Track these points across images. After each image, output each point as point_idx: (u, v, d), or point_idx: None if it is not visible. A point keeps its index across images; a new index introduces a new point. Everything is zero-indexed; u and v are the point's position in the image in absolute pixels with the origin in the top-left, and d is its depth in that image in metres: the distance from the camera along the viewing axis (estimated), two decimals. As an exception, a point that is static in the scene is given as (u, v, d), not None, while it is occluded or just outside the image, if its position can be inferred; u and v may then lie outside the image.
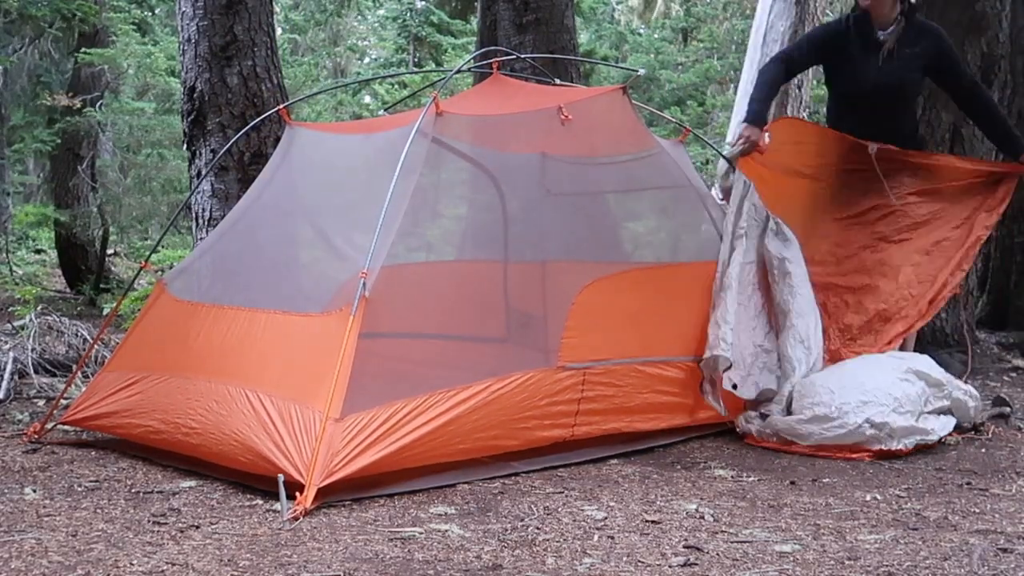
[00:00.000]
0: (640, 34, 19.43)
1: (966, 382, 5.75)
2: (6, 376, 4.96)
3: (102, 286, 9.84)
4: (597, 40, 18.27)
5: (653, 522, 3.01)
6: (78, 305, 9.29)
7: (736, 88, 13.02)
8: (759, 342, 4.46)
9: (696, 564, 2.60)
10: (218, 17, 5.39)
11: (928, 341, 6.41)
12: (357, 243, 3.64)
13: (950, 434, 4.21)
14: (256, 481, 3.28)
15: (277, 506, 3.06)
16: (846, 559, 2.66)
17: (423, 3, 17.84)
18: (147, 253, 5.36)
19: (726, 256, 4.46)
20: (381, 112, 11.62)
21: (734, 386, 4.29)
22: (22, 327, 5.77)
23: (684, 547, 2.75)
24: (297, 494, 3.03)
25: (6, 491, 3.27)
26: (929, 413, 4.15)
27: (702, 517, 3.08)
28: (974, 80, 5.13)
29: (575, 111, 4.13)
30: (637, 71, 4.56)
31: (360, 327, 3.32)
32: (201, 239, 5.21)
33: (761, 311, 4.52)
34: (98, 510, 3.07)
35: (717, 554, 2.69)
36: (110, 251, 10.82)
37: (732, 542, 2.81)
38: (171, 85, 10.00)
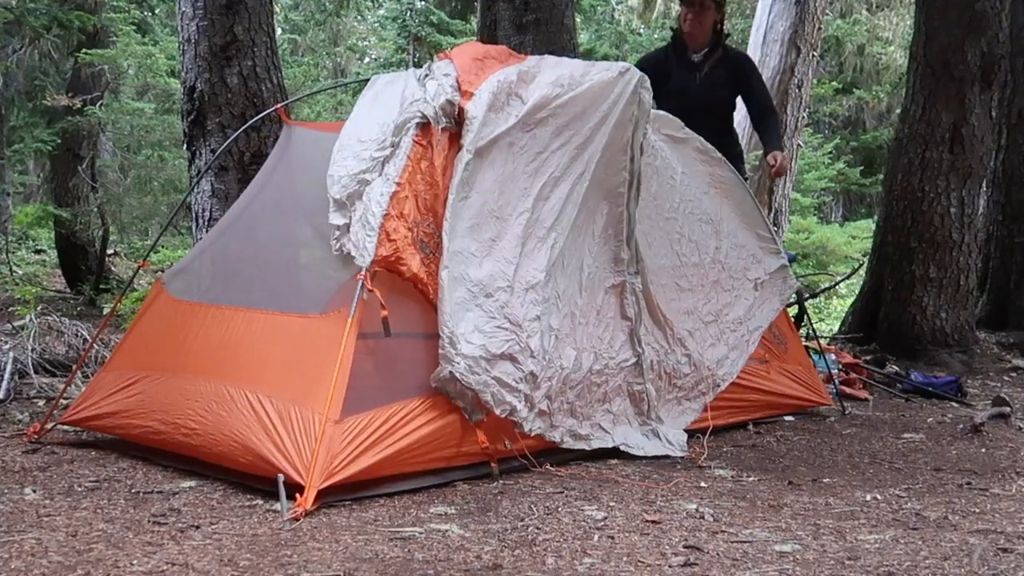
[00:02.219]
0: (640, 34, 19.45)
1: (966, 382, 5.79)
2: (6, 376, 4.96)
3: (102, 286, 9.85)
4: (597, 40, 18.29)
5: (653, 522, 3.01)
6: (78, 305, 9.29)
7: (736, 88, 13.03)
8: None
9: (696, 564, 2.60)
10: (218, 17, 5.39)
11: (928, 341, 6.43)
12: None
13: None
14: (256, 481, 3.28)
15: (277, 506, 3.05)
16: (846, 559, 2.66)
17: (423, 3, 17.84)
18: (147, 253, 5.36)
19: None
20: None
21: None
22: (22, 327, 5.77)
23: (684, 547, 2.75)
24: (297, 495, 3.03)
25: (6, 491, 3.26)
26: None
27: (702, 517, 3.08)
28: (770, 106, 5.48)
29: None
30: None
31: (358, 328, 3.32)
32: (201, 239, 5.21)
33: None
34: (98, 510, 3.07)
35: (717, 554, 2.69)
36: (110, 251, 10.83)
37: (732, 542, 2.81)
38: (171, 85, 10.00)
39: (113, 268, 11.11)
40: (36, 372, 5.17)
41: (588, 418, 3.94)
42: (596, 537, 2.84)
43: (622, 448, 3.96)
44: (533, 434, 3.71)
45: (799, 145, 11.84)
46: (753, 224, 4.78)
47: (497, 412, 3.57)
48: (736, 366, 4.54)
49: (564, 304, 3.93)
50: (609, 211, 4.14)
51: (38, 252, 14.44)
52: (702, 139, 4.61)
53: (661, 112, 4.42)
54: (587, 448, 3.88)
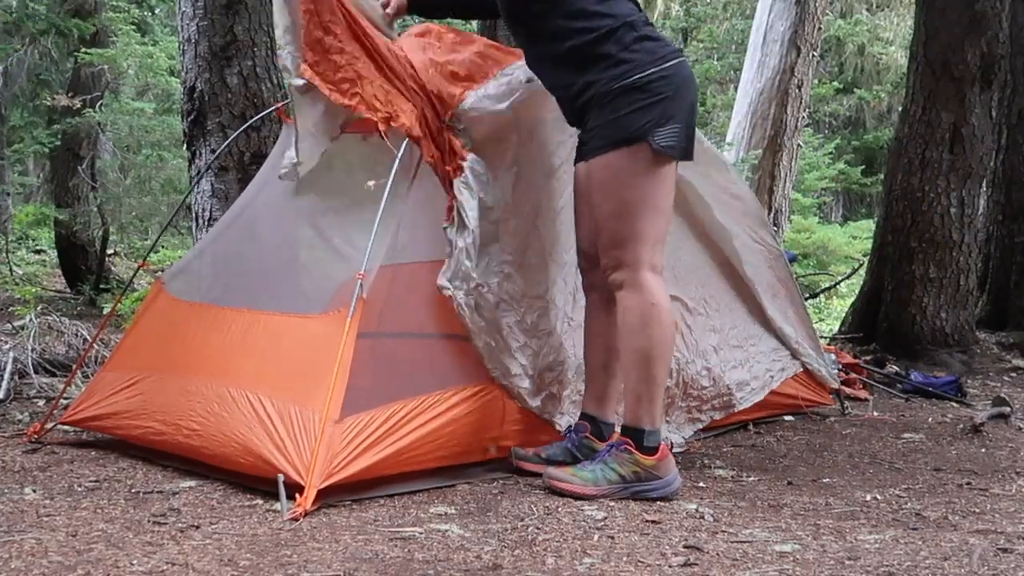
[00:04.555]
0: (640, 34, 19.38)
1: (966, 382, 5.79)
2: (6, 376, 4.96)
3: (102, 286, 9.85)
4: (597, 40, 18.24)
5: (653, 522, 3.01)
6: (78, 305, 9.29)
7: (736, 88, 13.03)
8: None
9: (696, 564, 2.60)
10: (218, 17, 5.39)
11: (928, 341, 6.43)
12: (356, 243, 3.64)
13: None
14: (256, 481, 3.28)
15: (277, 506, 3.05)
16: (846, 559, 2.66)
17: (423, 3, 17.81)
18: (147, 253, 5.36)
19: None
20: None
21: None
22: (22, 327, 5.77)
23: (684, 547, 2.75)
24: (297, 495, 3.03)
25: (6, 491, 3.26)
26: None
27: (702, 517, 3.08)
28: None
29: None
30: None
31: (358, 328, 3.32)
32: (201, 239, 5.21)
33: None
34: (98, 510, 3.07)
35: (717, 554, 2.69)
36: (110, 251, 10.83)
37: (732, 542, 2.81)
38: (171, 85, 10.01)
39: (113, 268, 11.11)
40: (36, 372, 5.17)
41: None
42: (596, 537, 2.84)
43: None
44: (544, 417, 3.69)
45: (799, 145, 11.85)
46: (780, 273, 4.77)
47: (488, 365, 3.55)
48: (756, 396, 4.54)
49: (581, 298, 3.91)
50: None
51: (38, 252, 14.45)
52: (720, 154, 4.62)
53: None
54: None
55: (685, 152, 3.33)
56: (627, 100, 3.24)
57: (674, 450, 4.03)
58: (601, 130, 3.30)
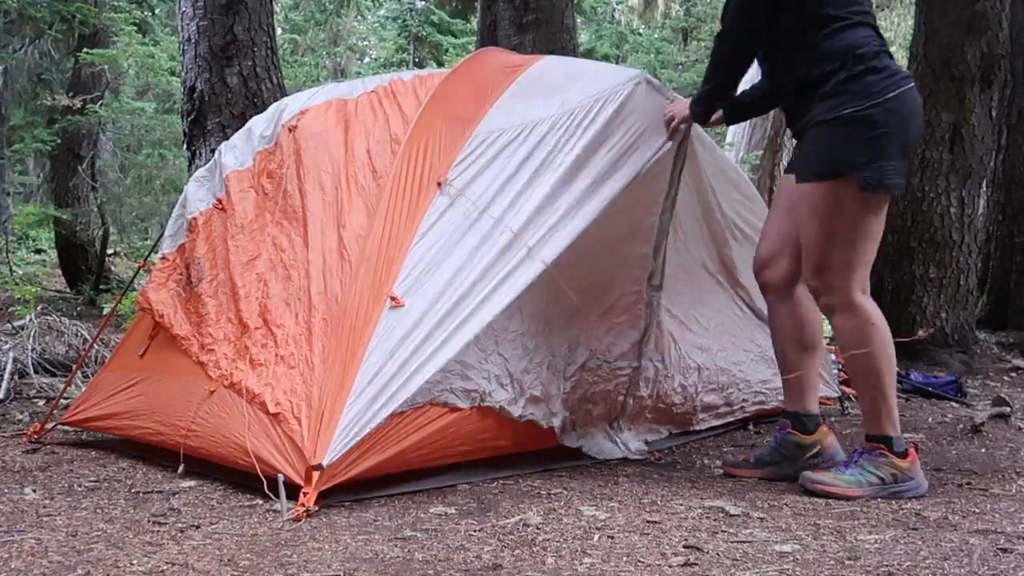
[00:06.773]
0: (640, 34, 19.47)
1: (966, 382, 5.78)
2: (6, 376, 4.96)
3: (102, 286, 9.85)
4: (597, 40, 18.30)
5: (653, 522, 3.01)
6: (78, 305, 9.29)
7: (736, 88, 13.01)
8: None
9: (696, 564, 2.60)
10: (218, 17, 5.40)
11: (928, 341, 6.43)
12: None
13: None
14: (256, 481, 3.27)
15: (277, 506, 3.05)
16: (846, 559, 2.66)
17: (423, 3, 17.86)
18: (147, 253, 5.36)
19: None
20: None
21: None
22: (22, 327, 5.78)
23: (684, 547, 2.75)
24: (300, 495, 3.02)
25: (6, 491, 3.27)
26: None
27: (702, 517, 3.08)
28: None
29: None
30: None
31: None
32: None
33: None
34: (98, 510, 3.07)
35: (717, 554, 2.69)
36: (110, 251, 10.84)
37: (732, 542, 2.81)
38: (171, 85, 10.02)
39: (113, 268, 11.12)
40: (36, 372, 5.18)
41: (574, 412, 3.88)
42: (596, 537, 2.84)
43: (583, 451, 3.88)
44: (527, 420, 3.63)
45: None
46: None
47: (464, 405, 3.44)
48: (715, 421, 4.44)
49: (561, 298, 3.76)
50: (640, 218, 3.94)
51: (38, 252, 14.46)
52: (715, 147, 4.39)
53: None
54: (568, 445, 3.83)
55: (893, 187, 3.37)
56: (840, 133, 3.32)
57: (633, 456, 3.98)
58: (813, 157, 3.40)
